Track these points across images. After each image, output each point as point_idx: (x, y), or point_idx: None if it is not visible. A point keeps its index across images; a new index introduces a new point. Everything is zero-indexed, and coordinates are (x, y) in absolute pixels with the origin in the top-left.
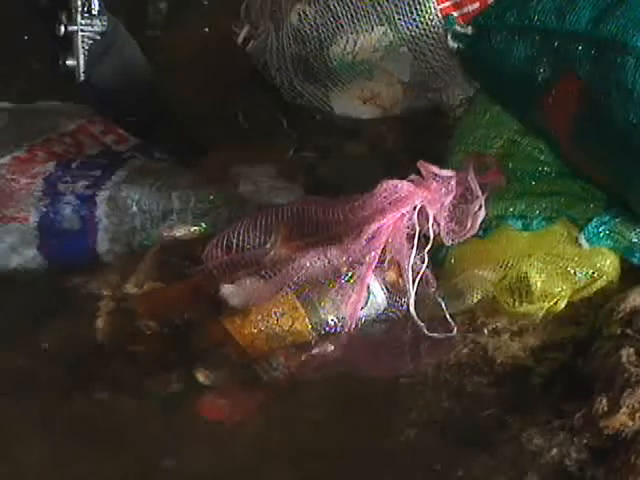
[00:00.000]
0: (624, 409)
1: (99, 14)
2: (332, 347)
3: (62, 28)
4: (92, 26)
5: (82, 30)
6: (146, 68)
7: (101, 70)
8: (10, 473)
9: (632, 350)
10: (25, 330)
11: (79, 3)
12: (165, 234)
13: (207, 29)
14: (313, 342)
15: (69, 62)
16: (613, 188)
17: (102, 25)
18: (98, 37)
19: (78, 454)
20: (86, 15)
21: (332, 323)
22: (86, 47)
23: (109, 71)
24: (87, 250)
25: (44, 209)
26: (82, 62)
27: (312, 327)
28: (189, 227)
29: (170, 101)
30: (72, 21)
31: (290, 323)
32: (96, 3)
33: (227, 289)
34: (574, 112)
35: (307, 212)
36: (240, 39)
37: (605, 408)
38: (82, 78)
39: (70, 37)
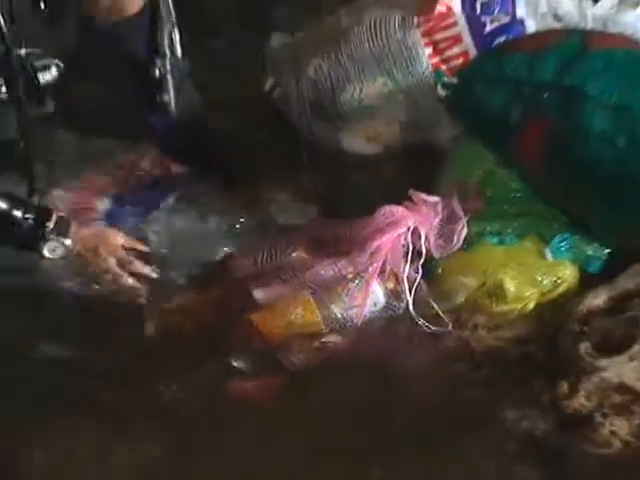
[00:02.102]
0: (582, 392)
1: (182, 57)
2: (340, 338)
3: (157, 71)
4: (178, 67)
5: (171, 71)
6: (200, 106)
7: (183, 101)
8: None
9: (588, 344)
10: (94, 330)
11: (167, 51)
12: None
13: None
14: (324, 334)
15: (165, 98)
16: (573, 211)
17: (184, 66)
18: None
19: (141, 426)
20: (173, 59)
21: (341, 319)
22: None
23: (179, 106)
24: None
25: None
26: (173, 97)
27: (324, 321)
28: (225, 245)
29: (208, 140)
30: (165, 64)
31: (306, 318)
32: (179, 49)
33: (257, 292)
34: (543, 150)
35: (321, 230)
36: (267, 88)
37: (566, 391)
38: (174, 110)
39: (163, 78)
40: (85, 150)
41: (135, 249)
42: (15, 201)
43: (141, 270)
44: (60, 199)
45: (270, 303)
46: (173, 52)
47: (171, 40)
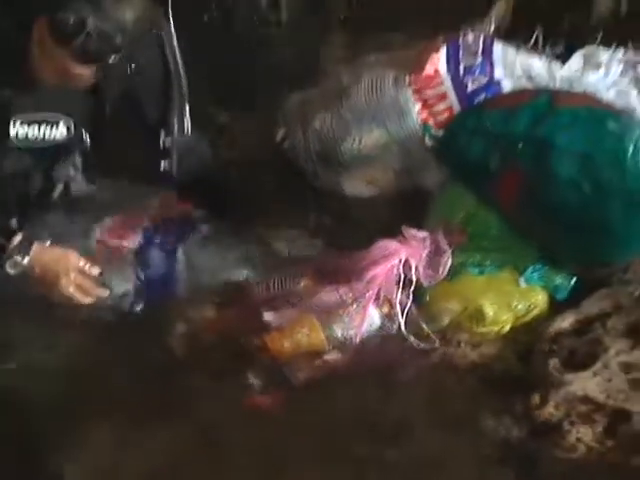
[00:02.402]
0: (551, 403)
1: (189, 131)
2: (341, 355)
3: (161, 144)
4: (185, 140)
5: (176, 142)
6: (211, 162)
7: (186, 166)
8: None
9: (557, 361)
10: (128, 346)
11: (176, 125)
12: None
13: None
14: (327, 351)
15: (166, 166)
16: (545, 246)
17: (189, 139)
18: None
19: (170, 428)
20: (179, 131)
21: (342, 338)
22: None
23: (191, 165)
24: (169, 288)
25: (140, 258)
26: (175, 165)
27: (326, 340)
28: (241, 274)
29: (227, 183)
30: (171, 139)
31: (311, 337)
32: (188, 125)
33: (268, 314)
34: (517, 195)
35: (325, 262)
36: (279, 138)
37: (538, 402)
38: (175, 174)
39: (167, 150)
40: (117, 196)
41: (89, 271)
42: None
43: (91, 290)
44: (99, 233)
45: (280, 324)
46: (181, 128)
47: (181, 117)
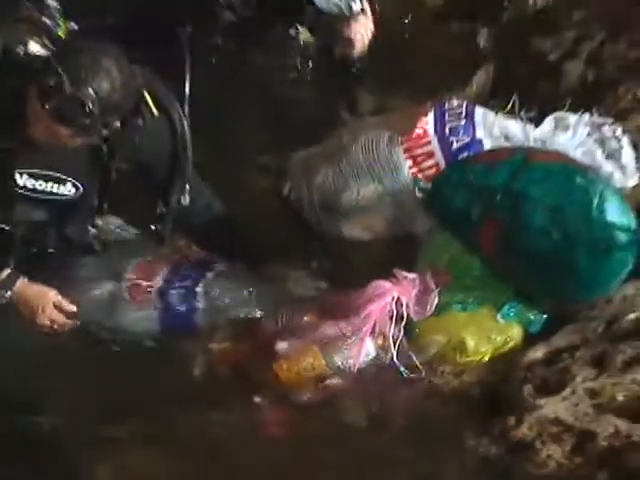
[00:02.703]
0: (525, 424)
1: (189, 200)
2: (340, 380)
3: (158, 209)
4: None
5: (173, 211)
6: (224, 212)
7: (201, 218)
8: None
9: (530, 387)
10: (155, 372)
11: (175, 198)
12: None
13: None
14: (328, 377)
15: (160, 229)
16: (520, 286)
17: (206, 195)
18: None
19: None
20: (178, 200)
21: (341, 366)
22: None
23: (206, 218)
24: (191, 324)
25: (163, 296)
26: (168, 231)
27: (328, 368)
28: (253, 310)
29: (240, 230)
30: (167, 206)
31: (314, 365)
32: (187, 197)
33: (280, 345)
34: (496, 242)
35: (327, 300)
36: (285, 191)
37: (513, 424)
38: (166, 239)
39: (164, 214)
40: (141, 242)
41: (65, 307)
42: None
43: (64, 324)
44: (128, 275)
45: (287, 354)
46: (179, 200)
47: (182, 189)
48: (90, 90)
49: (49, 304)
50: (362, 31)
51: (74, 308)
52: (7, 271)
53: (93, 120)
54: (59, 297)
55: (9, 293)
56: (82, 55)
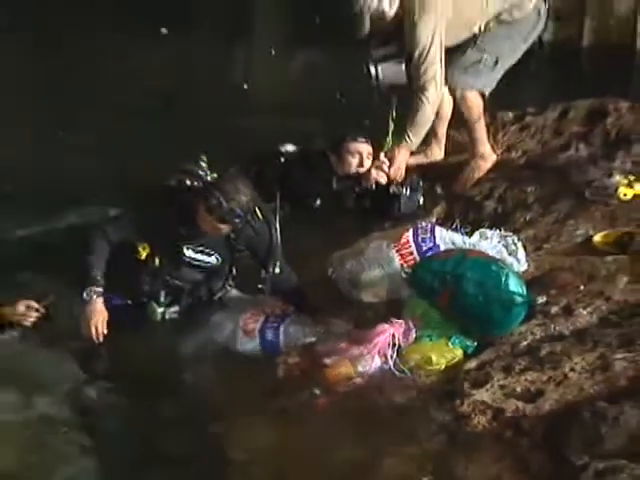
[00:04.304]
0: (465, 404)
1: (278, 271)
2: (361, 380)
3: (262, 276)
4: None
5: (270, 278)
6: (297, 281)
7: (284, 284)
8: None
9: (467, 383)
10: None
11: (271, 269)
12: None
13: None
14: (354, 378)
15: (265, 288)
16: (463, 326)
17: (285, 271)
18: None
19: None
20: (273, 270)
21: (361, 372)
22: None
23: (287, 284)
24: (277, 348)
25: (262, 332)
26: (268, 290)
27: (354, 373)
28: (311, 340)
29: (305, 293)
30: (267, 273)
31: (347, 371)
32: (278, 269)
33: (327, 359)
34: (448, 302)
35: (353, 334)
36: (330, 273)
37: (458, 403)
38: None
39: (266, 279)
40: (250, 299)
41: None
42: None
43: (92, 337)
44: (241, 321)
45: (331, 365)
46: (274, 269)
47: (274, 263)
48: (236, 204)
49: (92, 321)
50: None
51: (104, 331)
52: (99, 289)
53: (240, 221)
54: (101, 321)
55: (85, 296)
56: (228, 183)
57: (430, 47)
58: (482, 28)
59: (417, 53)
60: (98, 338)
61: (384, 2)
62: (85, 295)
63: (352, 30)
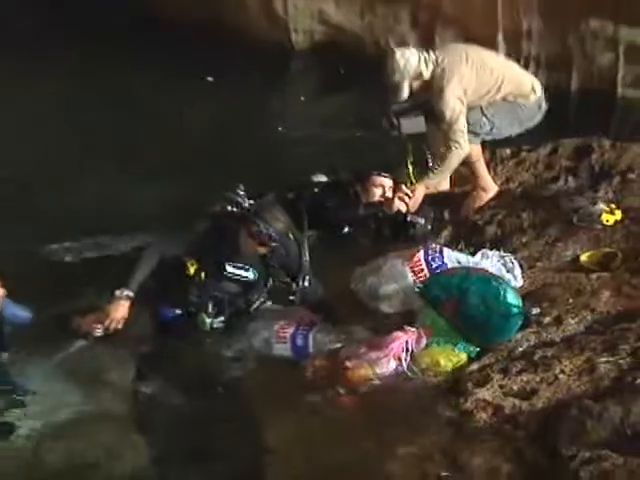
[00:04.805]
0: (468, 401)
1: (309, 284)
2: (378, 381)
3: (294, 289)
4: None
5: (300, 290)
6: (324, 293)
7: (312, 296)
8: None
9: (471, 383)
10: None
11: (301, 283)
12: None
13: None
14: (373, 379)
15: (295, 298)
16: (466, 334)
17: (314, 285)
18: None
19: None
20: (303, 283)
21: (379, 373)
22: None
23: (315, 296)
24: (306, 352)
25: (293, 338)
26: (298, 301)
27: (372, 374)
28: (335, 345)
29: (331, 304)
30: (297, 286)
31: (365, 373)
32: (307, 283)
33: (348, 362)
34: (454, 311)
35: (372, 340)
36: (352, 286)
37: (462, 401)
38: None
39: (297, 291)
40: (283, 310)
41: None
42: None
43: (110, 329)
44: (276, 328)
45: (352, 367)
46: (304, 283)
47: (304, 278)
48: (273, 230)
49: (112, 316)
50: None
51: (117, 327)
52: (131, 293)
53: (276, 244)
54: (118, 319)
55: (119, 293)
56: (267, 212)
57: (457, 109)
58: (491, 100)
59: (448, 114)
60: (104, 331)
61: (422, 64)
62: (118, 293)
63: (391, 96)
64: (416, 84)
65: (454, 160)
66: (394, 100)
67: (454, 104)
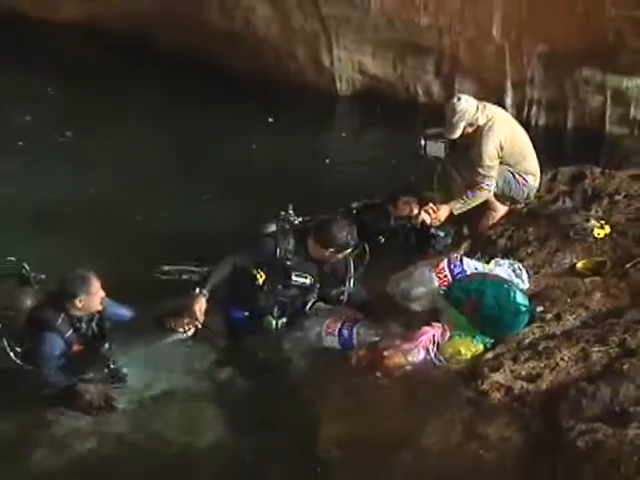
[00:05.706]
0: (485, 383)
1: (352, 286)
2: (410, 367)
3: (340, 290)
4: (355, 288)
5: (346, 292)
6: (366, 295)
7: (357, 297)
8: None
9: (486, 368)
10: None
11: (348, 286)
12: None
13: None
14: (406, 365)
15: (341, 300)
16: (482, 328)
17: (357, 287)
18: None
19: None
20: (349, 287)
21: (411, 361)
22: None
23: (359, 297)
24: (351, 344)
25: (340, 332)
26: (345, 302)
27: (406, 362)
28: (374, 338)
29: (372, 304)
30: (344, 289)
31: (401, 361)
32: (352, 286)
33: (386, 352)
34: (473, 310)
35: (405, 334)
36: (388, 289)
37: (480, 383)
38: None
39: (340, 293)
40: (331, 309)
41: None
42: None
43: (192, 324)
44: (325, 325)
45: (389, 356)
46: (349, 286)
47: (350, 282)
48: (340, 241)
49: (195, 307)
50: None
51: (200, 319)
52: (206, 293)
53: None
54: (200, 308)
55: (197, 292)
56: (334, 225)
57: (494, 158)
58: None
59: (487, 160)
60: (196, 321)
61: (479, 112)
62: (196, 291)
63: (445, 133)
64: (468, 127)
65: (482, 198)
66: (448, 136)
67: (492, 153)
